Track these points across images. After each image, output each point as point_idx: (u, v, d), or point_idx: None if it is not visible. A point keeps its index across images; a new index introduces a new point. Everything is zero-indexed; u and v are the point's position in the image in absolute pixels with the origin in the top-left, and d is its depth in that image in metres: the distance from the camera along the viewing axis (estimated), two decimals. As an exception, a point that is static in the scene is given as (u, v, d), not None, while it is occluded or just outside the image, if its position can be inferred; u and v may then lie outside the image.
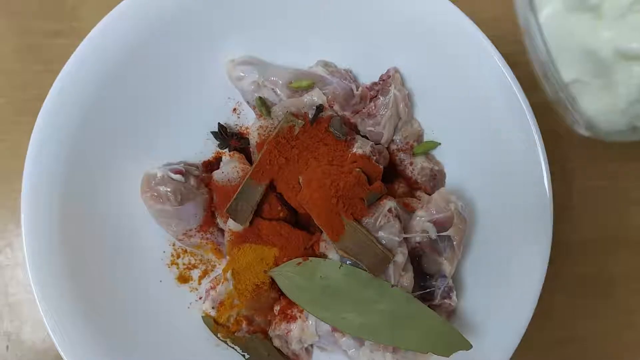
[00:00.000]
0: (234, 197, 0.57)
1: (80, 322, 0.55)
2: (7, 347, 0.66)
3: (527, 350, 0.57)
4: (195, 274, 0.64)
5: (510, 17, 0.71)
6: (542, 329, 0.67)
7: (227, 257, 0.61)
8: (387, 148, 0.62)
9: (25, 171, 0.57)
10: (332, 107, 0.61)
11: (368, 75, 0.63)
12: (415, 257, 0.58)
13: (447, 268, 0.57)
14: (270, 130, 0.60)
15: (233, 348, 0.60)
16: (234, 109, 0.65)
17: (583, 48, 0.35)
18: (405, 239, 0.56)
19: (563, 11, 0.35)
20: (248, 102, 0.64)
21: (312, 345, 0.62)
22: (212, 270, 0.64)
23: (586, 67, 0.35)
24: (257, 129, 0.60)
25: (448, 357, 0.52)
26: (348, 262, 0.55)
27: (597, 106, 0.35)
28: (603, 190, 0.70)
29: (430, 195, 0.61)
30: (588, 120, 0.35)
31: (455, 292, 0.57)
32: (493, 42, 0.58)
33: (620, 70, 0.33)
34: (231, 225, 0.59)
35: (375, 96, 0.61)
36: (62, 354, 0.54)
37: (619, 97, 0.34)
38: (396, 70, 0.62)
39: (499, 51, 0.57)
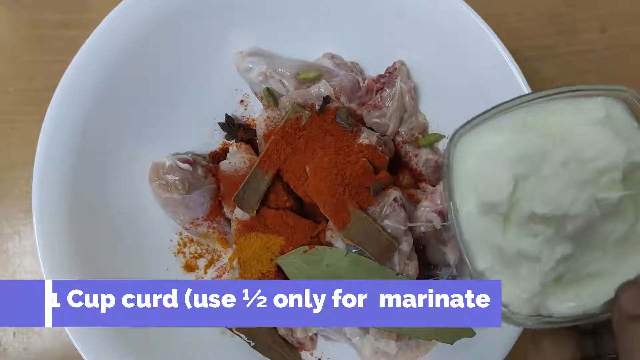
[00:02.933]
0: (241, 186, 0.58)
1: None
2: (14, 334, 0.67)
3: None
4: (202, 263, 0.65)
5: (514, 13, 0.72)
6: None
7: (233, 246, 0.62)
8: (393, 140, 0.63)
9: (36, 160, 0.57)
10: (339, 98, 0.62)
11: (374, 68, 0.64)
12: (420, 246, 0.58)
13: (452, 257, 0.57)
14: (278, 121, 0.61)
15: (239, 336, 0.61)
16: (241, 101, 0.66)
17: (493, 244, 0.41)
18: (410, 228, 0.57)
19: (477, 214, 0.41)
20: (256, 94, 0.65)
21: (316, 335, 0.62)
22: (218, 260, 0.65)
23: (497, 259, 0.41)
24: (265, 120, 0.61)
25: (451, 344, 0.53)
26: (354, 250, 0.56)
27: (508, 292, 0.41)
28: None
29: (434, 186, 0.62)
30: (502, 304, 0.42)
31: (459, 281, 0.58)
32: (498, 36, 0.59)
33: (523, 268, 0.40)
34: (238, 214, 0.60)
35: (381, 88, 0.62)
36: (72, 339, 0.54)
37: (523, 289, 0.40)
38: (402, 63, 0.62)
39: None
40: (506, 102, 0.42)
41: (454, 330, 0.53)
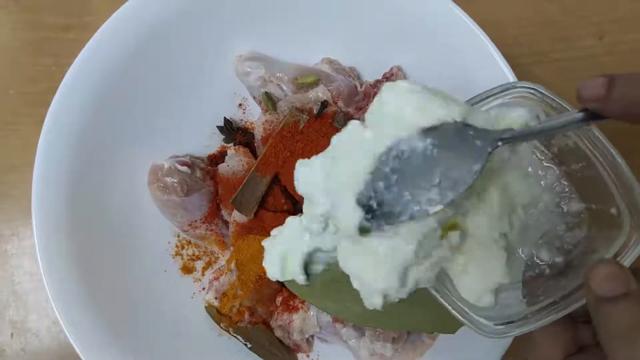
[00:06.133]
0: (239, 188, 0.59)
1: (87, 309, 0.56)
2: (12, 334, 0.67)
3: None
4: (199, 265, 0.65)
5: (511, 20, 0.73)
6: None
7: (231, 249, 0.62)
8: (390, 144, 0.64)
9: (36, 162, 0.57)
10: (337, 103, 0.62)
11: (371, 73, 0.65)
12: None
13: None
14: (276, 125, 0.61)
15: (236, 337, 0.61)
16: (240, 104, 0.67)
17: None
18: (406, 232, 0.57)
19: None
20: (254, 97, 0.65)
21: (312, 337, 0.63)
22: (215, 262, 0.65)
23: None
24: (263, 124, 0.62)
25: (454, 334, 0.53)
26: (350, 253, 0.56)
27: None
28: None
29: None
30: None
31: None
32: (494, 43, 0.59)
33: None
34: (236, 216, 0.60)
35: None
36: (69, 338, 0.55)
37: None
38: (399, 68, 0.63)
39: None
40: None
41: (453, 320, 0.53)
